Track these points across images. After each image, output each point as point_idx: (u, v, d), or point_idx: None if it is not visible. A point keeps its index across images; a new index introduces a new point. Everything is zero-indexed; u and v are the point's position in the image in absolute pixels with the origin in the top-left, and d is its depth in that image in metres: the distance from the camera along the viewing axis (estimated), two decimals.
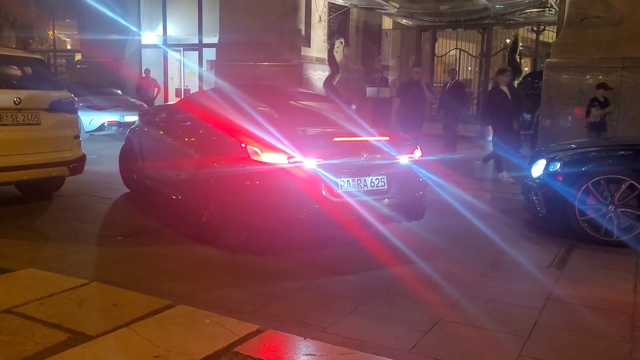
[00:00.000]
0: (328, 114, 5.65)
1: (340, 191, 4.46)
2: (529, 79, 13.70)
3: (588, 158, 5.55)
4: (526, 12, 14.99)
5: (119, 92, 14.59)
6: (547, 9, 14.24)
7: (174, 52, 16.82)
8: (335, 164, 4.46)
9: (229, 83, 8.05)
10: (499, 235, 5.30)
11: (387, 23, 17.87)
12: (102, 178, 7.68)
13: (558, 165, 5.51)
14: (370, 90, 15.46)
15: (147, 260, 4.44)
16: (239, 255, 4.56)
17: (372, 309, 3.58)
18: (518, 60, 15.33)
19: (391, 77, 16.82)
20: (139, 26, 16.93)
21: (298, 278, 4.12)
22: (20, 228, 5.24)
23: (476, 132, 14.49)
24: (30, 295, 3.38)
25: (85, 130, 11.66)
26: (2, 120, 5.48)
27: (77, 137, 6.34)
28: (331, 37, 13.91)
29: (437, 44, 16.92)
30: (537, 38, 16.75)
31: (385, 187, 4.70)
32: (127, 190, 6.90)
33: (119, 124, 12.47)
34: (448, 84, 12.57)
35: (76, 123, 6.51)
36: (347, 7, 15.08)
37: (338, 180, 4.46)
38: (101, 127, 12.37)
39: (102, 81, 15.13)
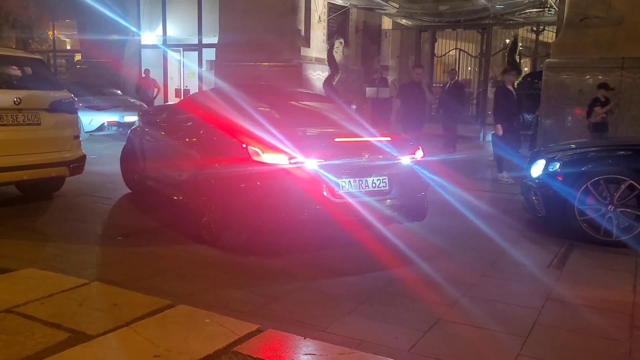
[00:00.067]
0: (329, 114, 5.65)
1: (341, 192, 4.46)
2: (529, 79, 13.69)
3: (587, 158, 5.56)
4: (526, 12, 14.99)
5: (119, 92, 14.59)
6: (547, 9, 14.24)
7: (174, 53, 16.82)
8: (336, 164, 4.45)
9: (228, 83, 8.05)
10: (499, 236, 5.31)
11: (386, 23, 17.86)
12: (102, 178, 7.68)
13: (557, 165, 5.52)
14: (369, 91, 15.45)
15: (148, 260, 4.45)
16: (239, 255, 4.56)
17: (372, 309, 3.59)
18: (518, 60, 15.33)
19: (391, 78, 16.80)
20: (138, 26, 16.92)
21: (298, 278, 4.13)
22: (20, 228, 5.25)
23: (475, 132, 14.52)
24: (31, 295, 3.39)
25: (85, 131, 11.67)
26: (2, 120, 5.49)
27: (77, 137, 6.34)
28: (331, 37, 13.91)
29: (436, 44, 16.91)
30: (537, 38, 16.74)
31: (387, 187, 4.69)
32: (127, 191, 6.90)
33: (119, 124, 12.48)
34: (447, 84, 12.58)
35: (76, 123, 6.52)
36: (346, 7, 15.07)
37: (339, 181, 4.46)
38: (101, 127, 12.37)
39: (102, 81, 15.13)
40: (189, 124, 5.59)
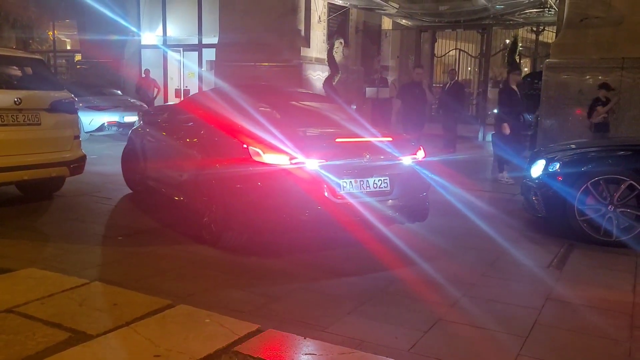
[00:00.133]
0: (330, 114, 5.64)
1: (342, 192, 4.45)
2: (529, 79, 13.69)
3: (587, 158, 5.56)
4: (526, 13, 14.98)
5: (119, 92, 14.60)
6: (547, 9, 14.24)
7: (174, 53, 16.82)
8: (337, 165, 4.44)
9: (228, 83, 8.04)
10: (500, 236, 5.31)
11: (386, 23, 17.86)
12: (103, 178, 7.68)
13: (557, 165, 5.52)
14: (369, 91, 15.46)
15: (148, 260, 4.45)
16: (239, 255, 4.57)
17: (372, 309, 3.59)
18: (517, 60, 15.33)
19: (391, 78, 16.81)
20: (138, 27, 16.93)
21: (299, 278, 4.13)
22: (20, 228, 5.25)
23: (475, 132, 14.53)
24: (31, 295, 3.39)
25: (85, 131, 11.67)
26: (2, 120, 5.49)
27: (77, 137, 6.35)
28: (331, 37, 13.91)
29: (436, 44, 16.90)
30: (537, 38, 16.75)
31: (388, 188, 4.69)
32: (128, 191, 6.90)
33: (119, 125, 12.48)
34: (447, 85, 12.59)
35: (76, 123, 6.52)
36: (346, 7, 15.07)
37: (340, 182, 4.45)
38: (101, 128, 12.38)
39: (102, 81, 15.13)
40: (190, 124, 5.59)
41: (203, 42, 16.08)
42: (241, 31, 13.05)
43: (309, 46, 13.35)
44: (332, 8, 14.47)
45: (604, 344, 3.22)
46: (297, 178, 4.34)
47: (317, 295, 3.81)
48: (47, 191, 6.49)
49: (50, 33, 19.73)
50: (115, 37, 16.20)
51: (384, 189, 4.66)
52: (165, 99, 16.19)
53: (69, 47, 20.75)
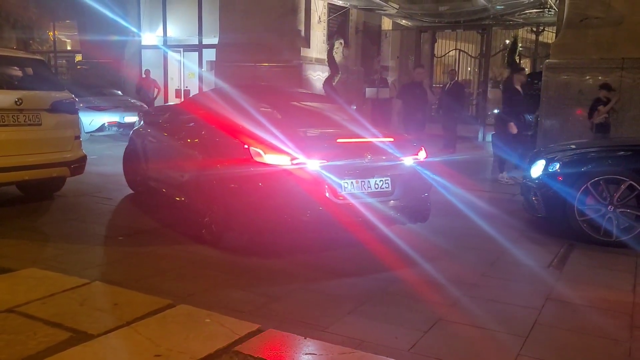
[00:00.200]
0: (331, 114, 5.64)
1: (343, 193, 4.45)
2: (529, 79, 13.70)
3: (587, 158, 5.56)
4: (526, 13, 14.99)
5: (119, 92, 14.61)
6: (547, 9, 14.25)
7: (174, 53, 16.84)
8: (338, 165, 4.44)
9: (228, 84, 8.06)
10: (500, 236, 5.32)
11: (386, 24, 17.86)
12: (103, 179, 7.69)
13: (557, 165, 5.53)
14: (369, 91, 15.46)
15: (148, 260, 4.46)
16: (240, 255, 4.57)
17: (373, 309, 3.59)
18: (517, 61, 15.33)
19: (391, 78, 16.81)
20: (139, 27, 16.94)
21: (299, 279, 4.13)
22: (21, 228, 5.25)
23: (475, 132, 14.53)
24: (32, 295, 3.40)
25: (86, 131, 11.67)
26: (3, 120, 5.50)
27: (77, 137, 6.36)
28: (331, 37, 13.92)
29: (436, 44, 16.90)
30: (537, 39, 16.75)
31: (390, 188, 4.68)
32: (128, 191, 6.91)
33: (119, 125, 12.49)
34: (447, 85, 12.59)
35: (77, 124, 6.53)
36: (346, 8, 15.08)
37: (342, 182, 4.45)
38: (101, 128, 12.39)
39: (102, 82, 15.14)
40: (191, 124, 5.59)
41: (203, 43, 16.09)
42: (241, 31, 13.06)
43: (309, 46, 13.36)
44: (332, 8, 14.48)
45: (604, 344, 3.22)
46: (298, 178, 4.34)
47: (317, 295, 3.81)
48: (48, 191, 6.50)
49: (51, 33, 19.74)
50: (115, 38, 16.21)
51: (385, 189, 4.66)
52: (166, 99, 16.20)
53: (69, 48, 20.77)
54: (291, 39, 13.03)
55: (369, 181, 4.58)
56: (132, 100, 13.78)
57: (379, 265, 4.40)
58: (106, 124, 12.40)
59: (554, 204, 5.40)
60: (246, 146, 4.47)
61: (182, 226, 5.37)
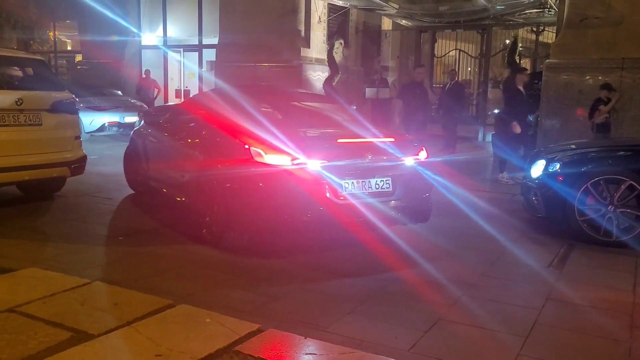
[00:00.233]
0: (331, 115, 5.64)
1: (344, 193, 4.45)
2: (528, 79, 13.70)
3: (587, 158, 5.57)
4: (526, 13, 15.00)
5: (119, 93, 14.62)
6: (547, 9, 14.25)
7: (174, 53, 16.84)
8: (339, 165, 4.44)
9: (228, 84, 8.06)
10: (500, 236, 5.33)
11: (386, 24, 17.87)
12: (103, 179, 7.69)
13: (557, 165, 5.53)
14: (369, 91, 15.46)
15: (148, 260, 4.46)
16: (240, 255, 4.57)
17: (373, 309, 3.59)
18: (517, 61, 15.34)
19: (391, 78, 16.82)
20: (139, 27, 16.95)
21: (299, 278, 4.13)
22: (22, 228, 5.26)
23: (475, 132, 14.53)
24: (33, 295, 3.41)
25: (86, 131, 11.67)
26: (4, 120, 5.50)
27: (78, 137, 6.36)
28: (331, 38, 13.92)
29: (436, 44, 16.90)
30: (537, 39, 16.75)
31: (390, 189, 4.68)
32: (128, 191, 6.91)
33: (120, 125, 12.50)
34: (447, 85, 12.59)
35: (77, 124, 6.54)
36: (346, 8, 15.08)
37: (342, 182, 4.45)
38: (102, 128, 12.40)
39: (102, 82, 15.15)
40: (191, 125, 5.59)
41: (203, 43, 16.10)
42: (241, 32, 13.07)
43: (309, 47, 13.37)
44: (332, 9, 14.49)
45: (604, 344, 3.22)
46: (298, 179, 4.34)
47: (317, 295, 3.82)
48: (48, 191, 6.51)
49: (51, 34, 19.75)
50: (115, 38, 16.23)
51: (386, 189, 4.66)
52: (166, 100, 16.20)
53: (69, 48, 20.78)
54: (291, 39, 13.03)
55: (369, 181, 4.57)
56: (132, 101, 13.79)
57: (379, 265, 4.40)
58: (106, 124, 12.41)
59: (554, 204, 5.40)
60: (247, 146, 4.47)
61: (182, 226, 5.37)
